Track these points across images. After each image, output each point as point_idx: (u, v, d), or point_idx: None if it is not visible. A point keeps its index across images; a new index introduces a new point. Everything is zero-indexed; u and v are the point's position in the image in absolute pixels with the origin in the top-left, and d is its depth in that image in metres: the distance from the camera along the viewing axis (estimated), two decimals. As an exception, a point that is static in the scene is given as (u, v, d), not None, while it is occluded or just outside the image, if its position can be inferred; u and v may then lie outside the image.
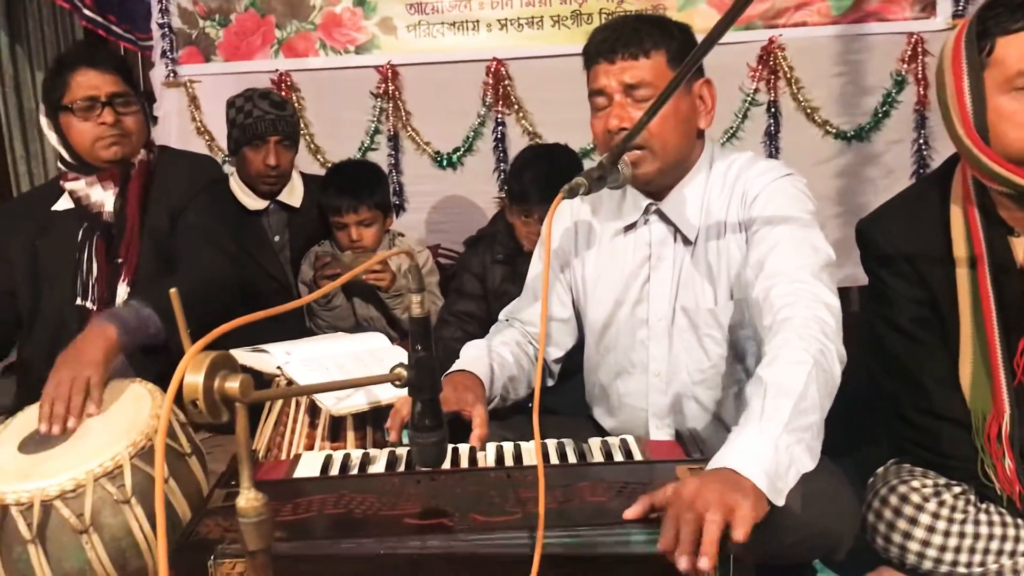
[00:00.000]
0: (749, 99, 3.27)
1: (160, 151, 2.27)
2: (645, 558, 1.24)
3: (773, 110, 3.27)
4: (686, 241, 1.81)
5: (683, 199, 1.80)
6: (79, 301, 2.17)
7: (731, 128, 3.27)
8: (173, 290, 0.97)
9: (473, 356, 1.89)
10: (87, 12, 3.43)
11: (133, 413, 1.71)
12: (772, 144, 3.29)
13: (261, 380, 1.86)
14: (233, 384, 0.92)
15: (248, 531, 0.92)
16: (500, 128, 3.38)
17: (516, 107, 3.37)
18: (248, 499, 0.92)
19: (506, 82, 3.36)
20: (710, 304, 1.78)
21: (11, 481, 1.58)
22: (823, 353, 1.43)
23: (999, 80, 1.58)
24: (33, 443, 1.68)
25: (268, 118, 2.71)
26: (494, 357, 1.89)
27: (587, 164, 3.24)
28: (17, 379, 2.34)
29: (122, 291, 2.14)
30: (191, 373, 0.90)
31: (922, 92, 3.24)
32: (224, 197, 2.30)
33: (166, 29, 3.49)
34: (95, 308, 2.15)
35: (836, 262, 1.65)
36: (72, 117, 2.12)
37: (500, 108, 3.37)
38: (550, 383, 2.01)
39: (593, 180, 1.54)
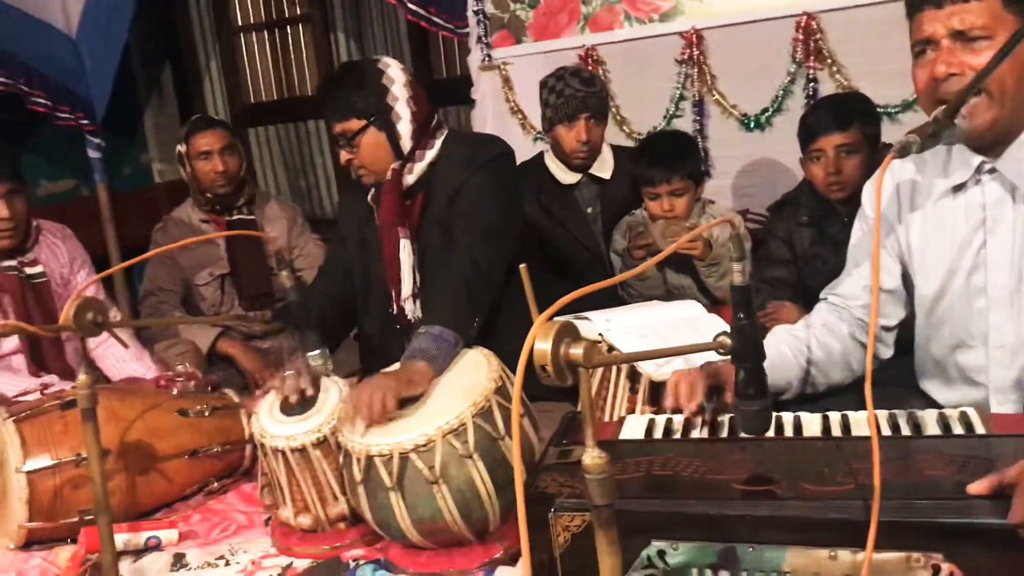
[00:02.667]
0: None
1: (445, 140, 2.33)
2: (992, 531, 1.18)
3: None
4: None
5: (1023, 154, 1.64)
6: (390, 310, 2.36)
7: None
8: (523, 266, 1.05)
9: (767, 343, 1.85)
10: (411, 6, 3.73)
11: (472, 377, 1.88)
12: None
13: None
14: (577, 351, 0.99)
15: (593, 487, 0.99)
16: (812, 85, 3.24)
17: (829, 61, 3.21)
18: (593, 457, 0.99)
19: (817, 36, 3.21)
20: None
21: (375, 436, 1.80)
22: None
23: None
24: (389, 402, 1.89)
25: (578, 96, 2.80)
26: (790, 342, 1.86)
27: (911, 117, 3.03)
28: (360, 348, 2.62)
29: (410, 308, 2.31)
30: (540, 340, 0.98)
31: None
32: (497, 174, 2.28)
33: (480, 15, 3.70)
34: (400, 317, 2.34)
35: None
36: None
37: (811, 64, 3.23)
38: (886, 354, 1.91)
39: (926, 137, 1.45)
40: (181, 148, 3.32)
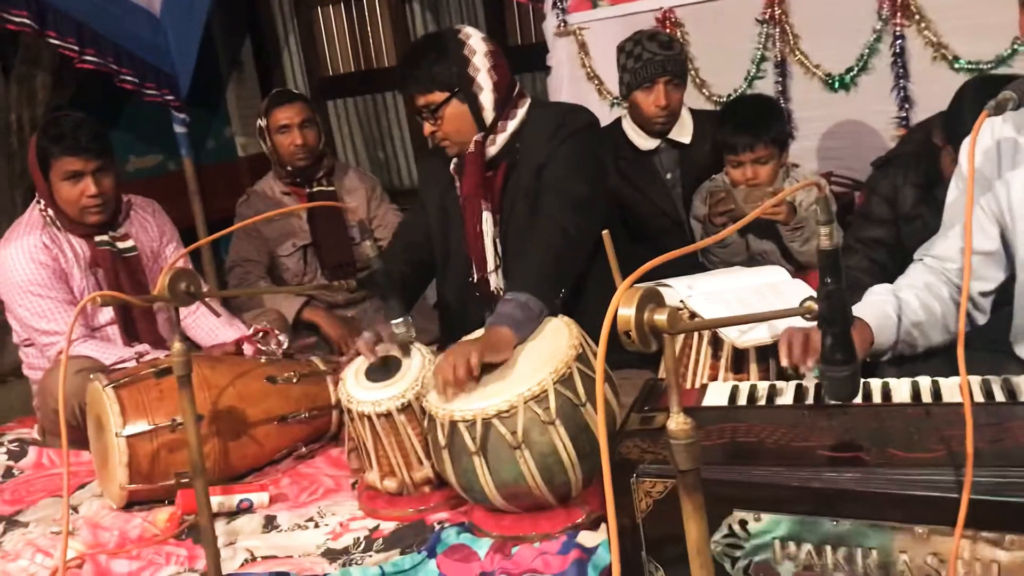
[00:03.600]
0: None
1: (529, 109, 2.32)
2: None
3: None
4: None
5: None
6: (470, 279, 2.37)
7: None
8: (605, 232, 1.05)
9: (870, 302, 1.81)
10: (485, -26, 3.72)
11: (553, 344, 1.89)
12: None
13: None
14: (661, 316, 0.98)
15: (679, 452, 0.99)
16: (899, 42, 3.12)
17: (917, 17, 3.09)
18: (678, 422, 0.99)
19: (905, -11, 3.10)
20: None
21: (458, 401, 1.83)
22: None
23: None
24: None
25: (656, 60, 2.75)
26: (890, 303, 1.80)
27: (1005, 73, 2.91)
28: (440, 315, 2.65)
29: (494, 281, 2.31)
30: (624, 306, 0.98)
31: None
32: (585, 145, 2.28)
33: (555, -20, 3.67)
34: (480, 287, 2.34)
35: None
36: None
37: (898, 21, 3.11)
38: (982, 320, 1.86)
39: (1024, 92, 1.40)
40: (261, 122, 3.37)
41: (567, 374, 1.80)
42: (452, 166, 2.37)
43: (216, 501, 2.12)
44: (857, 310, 1.78)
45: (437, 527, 1.98)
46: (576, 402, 1.80)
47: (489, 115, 2.28)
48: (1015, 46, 2.67)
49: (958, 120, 2.18)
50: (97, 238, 2.77)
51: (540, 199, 2.23)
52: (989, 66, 2.92)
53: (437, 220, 2.45)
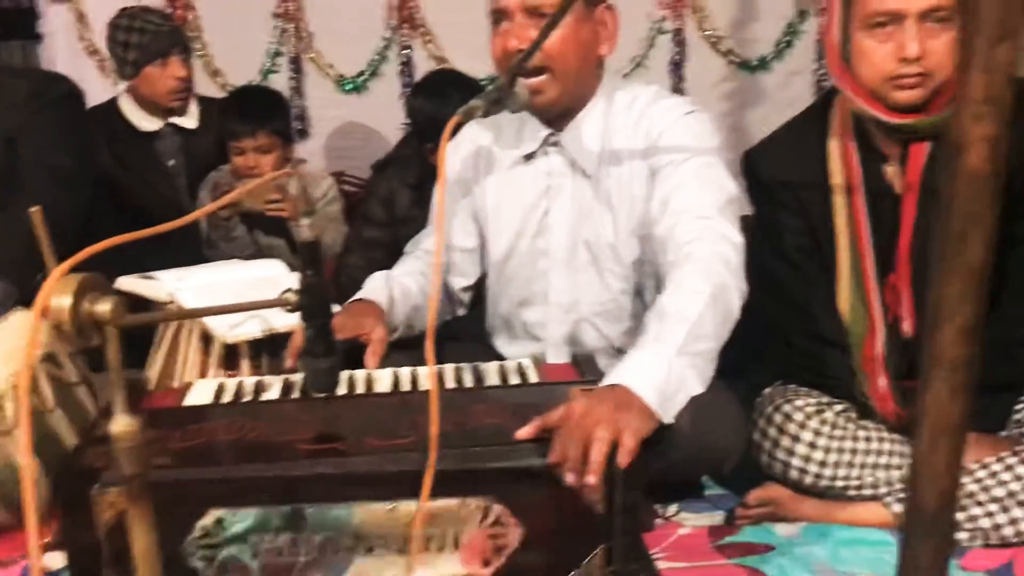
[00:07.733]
0: (656, 27, 3.25)
1: None
2: (535, 472, 1.27)
3: (679, 38, 3.27)
4: (585, 174, 1.81)
5: (581, 130, 1.80)
6: None
7: (638, 56, 3.25)
8: (35, 209, 0.93)
9: (373, 287, 1.88)
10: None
11: (15, 340, 1.66)
12: (677, 73, 3.29)
13: (149, 308, 1.81)
14: (104, 307, 0.89)
15: (123, 456, 0.90)
16: (406, 52, 3.30)
17: (422, 30, 3.28)
18: (121, 424, 0.90)
19: (411, 4, 3.27)
20: (610, 238, 1.79)
21: None
22: (723, 286, 1.47)
23: (859, 16, 1.63)
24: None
25: (166, 32, 2.64)
26: (395, 286, 1.88)
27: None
28: None
29: None
30: (57, 296, 0.86)
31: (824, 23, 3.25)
32: (67, 115, 2.14)
33: (47, -61, 3.28)
34: None
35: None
36: None
37: (405, 31, 3.29)
38: (461, 312, 2.00)
39: (490, 103, 1.52)
40: None
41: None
42: None
43: None
44: (363, 294, 1.83)
45: None
46: (41, 408, 1.60)
47: None
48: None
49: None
50: None
51: (15, 172, 1.98)
52: (484, 83, 3.19)
53: None
